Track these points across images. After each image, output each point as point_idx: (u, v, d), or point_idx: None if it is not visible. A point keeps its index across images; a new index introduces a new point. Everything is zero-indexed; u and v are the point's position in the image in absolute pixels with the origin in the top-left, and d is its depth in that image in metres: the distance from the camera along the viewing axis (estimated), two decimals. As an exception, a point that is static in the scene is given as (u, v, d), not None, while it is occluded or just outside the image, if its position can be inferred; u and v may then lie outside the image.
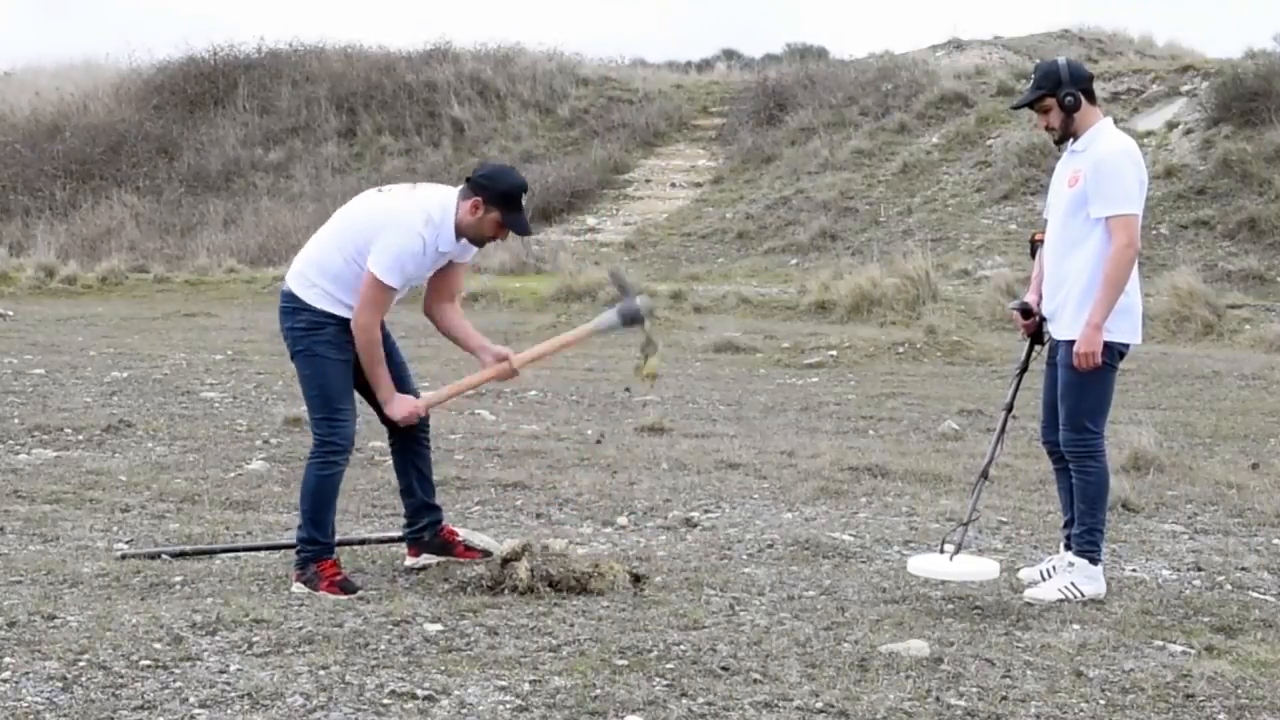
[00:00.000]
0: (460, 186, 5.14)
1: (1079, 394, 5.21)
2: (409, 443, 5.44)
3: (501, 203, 5.06)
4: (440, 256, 5.15)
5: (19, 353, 12.91)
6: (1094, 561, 5.25)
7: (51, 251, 23.45)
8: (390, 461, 5.71)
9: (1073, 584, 5.23)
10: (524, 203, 5.15)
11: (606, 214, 25.34)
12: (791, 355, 13.81)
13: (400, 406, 5.23)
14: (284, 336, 5.25)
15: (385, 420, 5.36)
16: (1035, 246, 5.50)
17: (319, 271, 5.11)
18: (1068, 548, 5.37)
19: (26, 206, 27.92)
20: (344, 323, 5.11)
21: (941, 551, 5.33)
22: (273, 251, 23.95)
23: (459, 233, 5.09)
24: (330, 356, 5.11)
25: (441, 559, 5.52)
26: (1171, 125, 22.69)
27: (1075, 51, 29.22)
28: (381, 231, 4.99)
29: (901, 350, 13.93)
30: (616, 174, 26.74)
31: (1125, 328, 5.20)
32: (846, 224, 22.42)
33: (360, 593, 5.09)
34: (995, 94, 25.48)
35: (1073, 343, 5.16)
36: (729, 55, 39.44)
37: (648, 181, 26.49)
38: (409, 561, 5.54)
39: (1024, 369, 5.52)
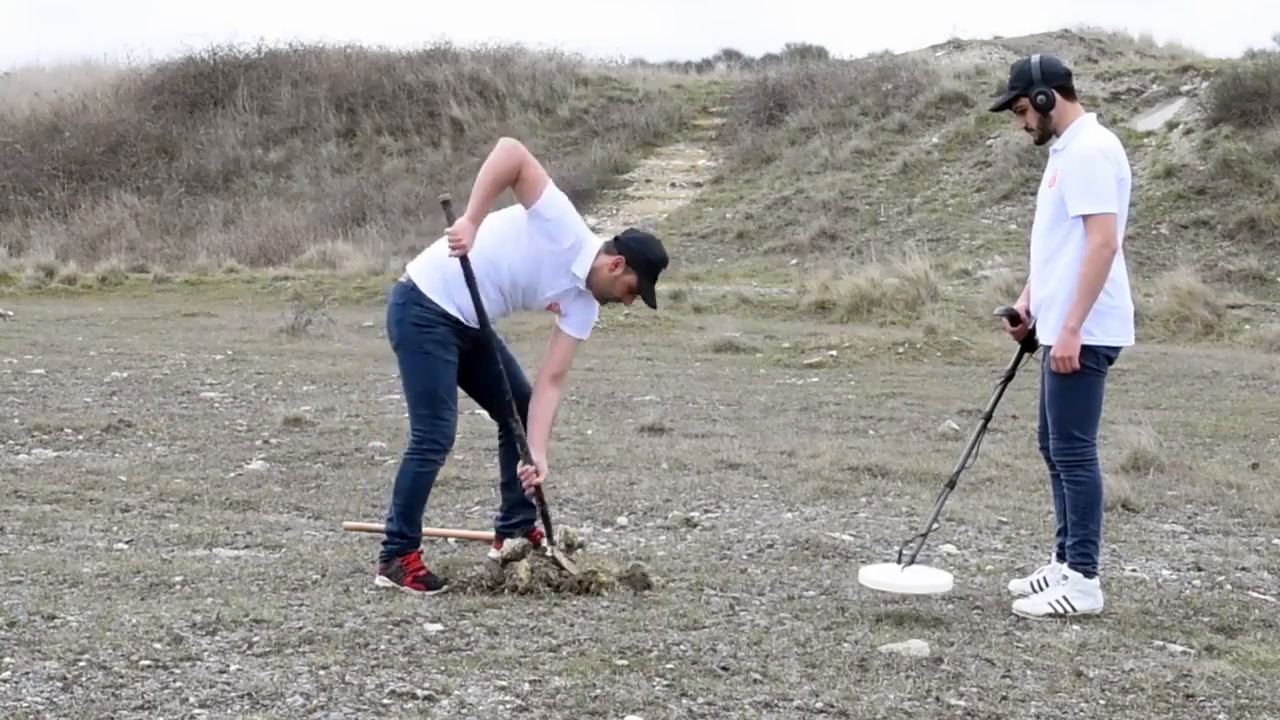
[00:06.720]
0: (605, 240, 5.26)
1: (1065, 400, 4.99)
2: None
3: (643, 269, 5.20)
4: (564, 274, 5.18)
5: (19, 353, 12.90)
6: (1088, 575, 5.00)
7: (51, 251, 23.43)
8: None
9: (1064, 598, 4.99)
10: (658, 277, 5.26)
11: (606, 214, 25.33)
12: (791, 355, 13.81)
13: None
14: (391, 329, 5.24)
15: (496, 415, 5.40)
16: None
17: (445, 262, 5.08)
18: (1060, 558, 5.14)
19: (26, 206, 27.90)
20: (454, 323, 5.13)
21: (898, 561, 5.23)
22: (273, 251, 23.95)
23: (588, 281, 5.18)
24: (439, 355, 5.14)
25: None
26: (1171, 125, 22.70)
27: (1075, 52, 29.25)
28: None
29: (901, 350, 13.93)
30: (616, 174, 26.73)
31: (1112, 330, 4.97)
32: (846, 224, 22.42)
33: (445, 587, 5.09)
34: (995, 94, 25.45)
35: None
36: (729, 55, 39.45)
37: (648, 181, 26.48)
38: (493, 554, 5.46)
39: (1009, 377, 5.36)
